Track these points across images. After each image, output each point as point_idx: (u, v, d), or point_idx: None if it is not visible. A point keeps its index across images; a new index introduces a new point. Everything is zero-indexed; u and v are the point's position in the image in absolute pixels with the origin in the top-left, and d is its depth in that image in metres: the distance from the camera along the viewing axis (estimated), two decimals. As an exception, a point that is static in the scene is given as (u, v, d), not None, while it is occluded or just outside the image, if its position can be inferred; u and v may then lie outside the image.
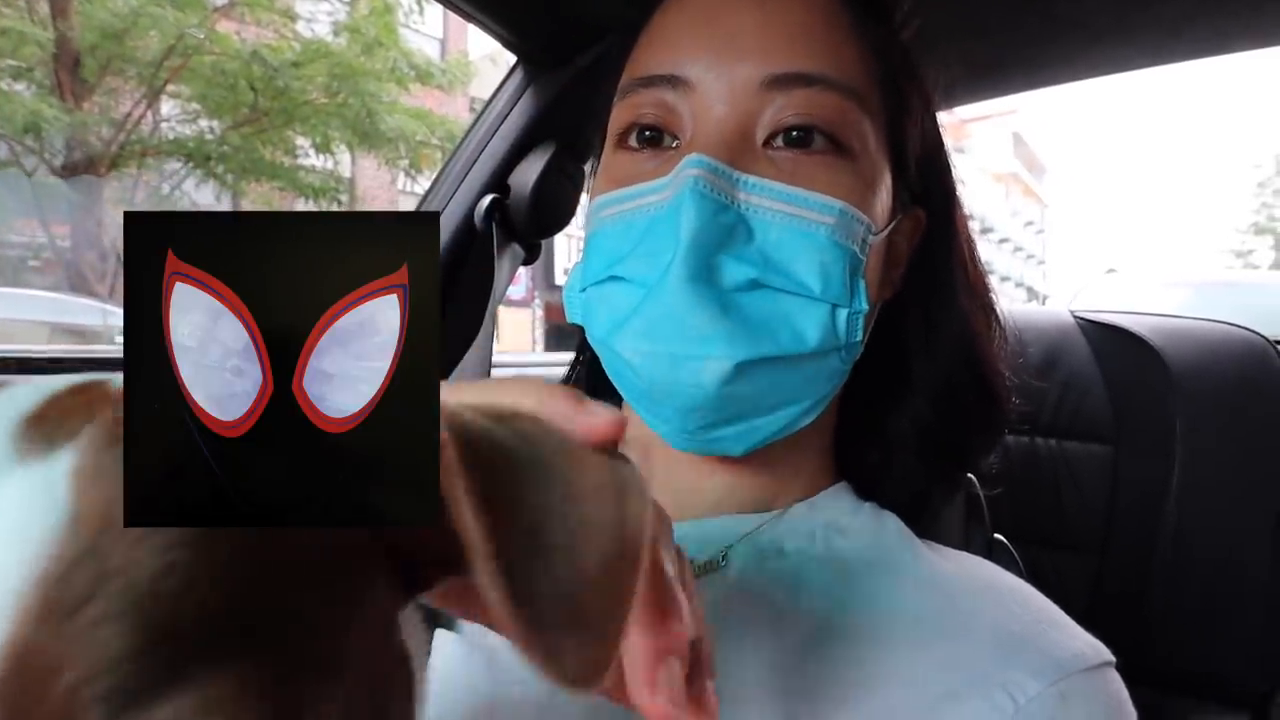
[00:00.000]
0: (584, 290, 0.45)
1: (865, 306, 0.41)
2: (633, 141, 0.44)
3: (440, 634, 0.41)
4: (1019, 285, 36.75)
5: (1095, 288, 4.20)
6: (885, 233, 0.44)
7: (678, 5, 0.45)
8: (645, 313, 0.39)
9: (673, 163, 0.40)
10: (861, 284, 0.41)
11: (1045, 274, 41.99)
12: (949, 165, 0.50)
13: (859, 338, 0.42)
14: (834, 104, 0.41)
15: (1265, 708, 0.80)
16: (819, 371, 0.41)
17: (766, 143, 0.41)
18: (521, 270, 0.90)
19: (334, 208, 7.53)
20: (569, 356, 0.57)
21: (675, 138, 0.43)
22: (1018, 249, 37.24)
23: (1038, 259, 41.30)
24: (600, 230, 0.44)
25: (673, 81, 0.42)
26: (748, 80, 0.41)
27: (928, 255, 0.48)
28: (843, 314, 0.40)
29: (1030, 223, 39.48)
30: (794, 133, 0.41)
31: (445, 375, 0.61)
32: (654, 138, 0.43)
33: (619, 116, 0.45)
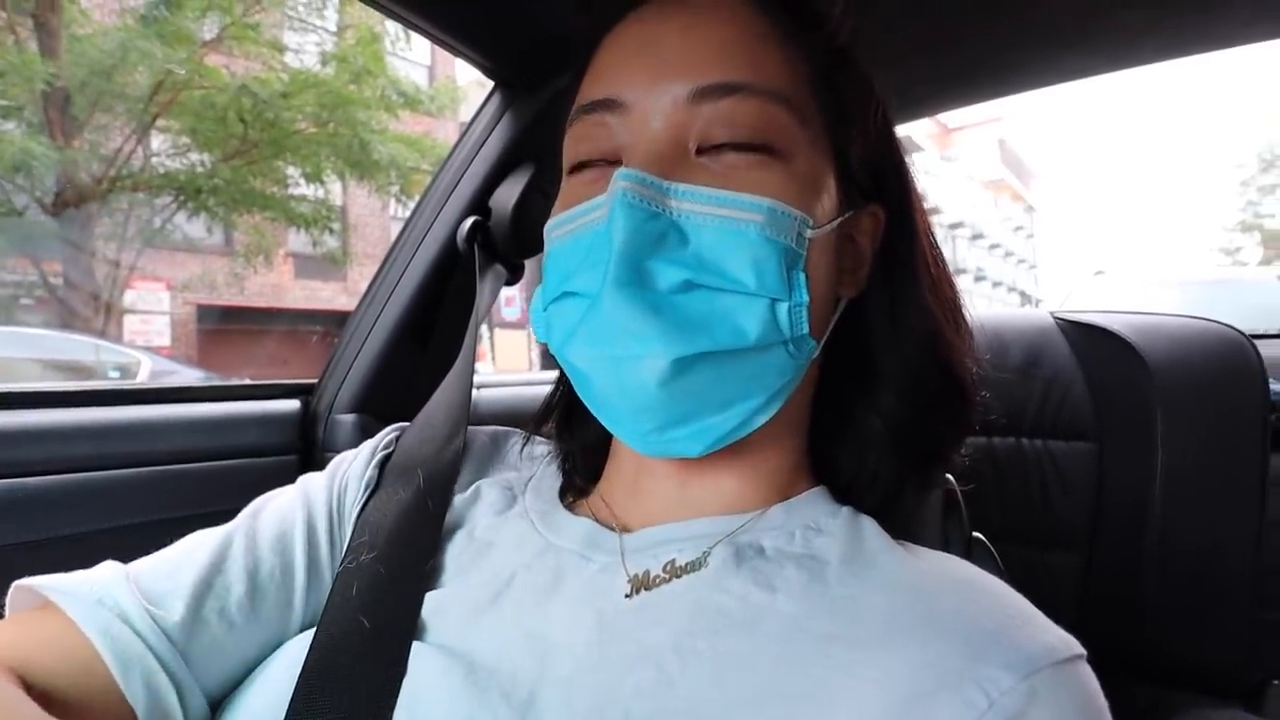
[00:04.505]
0: (545, 309, 0.46)
1: (805, 299, 0.42)
2: (579, 164, 0.47)
3: (417, 646, 0.41)
4: (1011, 290, 36.87)
5: (1084, 289, 4.22)
6: (830, 228, 0.45)
7: (616, 35, 0.47)
8: (589, 321, 0.41)
9: None
10: (801, 277, 0.42)
11: (1037, 278, 42.17)
12: (905, 167, 0.51)
13: (804, 330, 0.43)
14: (759, 109, 0.43)
15: (1258, 698, 0.80)
16: (766, 366, 0.42)
17: (700, 150, 0.43)
18: (517, 294, 0.91)
19: (326, 236, 7.57)
20: (555, 376, 0.58)
21: (617, 160, 0.45)
22: (1008, 254, 37.40)
23: (1029, 263, 41.49)
24: (553, 250, 0.46)
25: (609, 105, 0.45)
26: (676, 96, 0.43)
27: (889, 254, 0.50)
28: (783, 307, 0.42)
29: (1020, 227, 39.70)
30: (721, 145, 0.43)
31: (426, 396, 0.61)
32: (597, 164, 0.46)
33: (568, 147, 0.48)
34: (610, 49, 0.47)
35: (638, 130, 0.44)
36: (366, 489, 0.52)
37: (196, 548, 0.47)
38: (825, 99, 0.46)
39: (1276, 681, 0.85)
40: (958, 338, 0.50)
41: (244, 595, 0.45)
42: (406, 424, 0.59)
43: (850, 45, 0.49)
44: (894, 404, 0.49)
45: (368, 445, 0.56)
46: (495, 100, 0.93)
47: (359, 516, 0.50)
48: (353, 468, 0.54)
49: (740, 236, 0.41)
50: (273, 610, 0.47)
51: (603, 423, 0.45)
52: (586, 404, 0.46)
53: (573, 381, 0.46)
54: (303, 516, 0.50)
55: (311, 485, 0.53)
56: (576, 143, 0.47)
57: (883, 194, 0.50)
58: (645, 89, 0.44)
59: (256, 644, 0.46)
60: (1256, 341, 0.86)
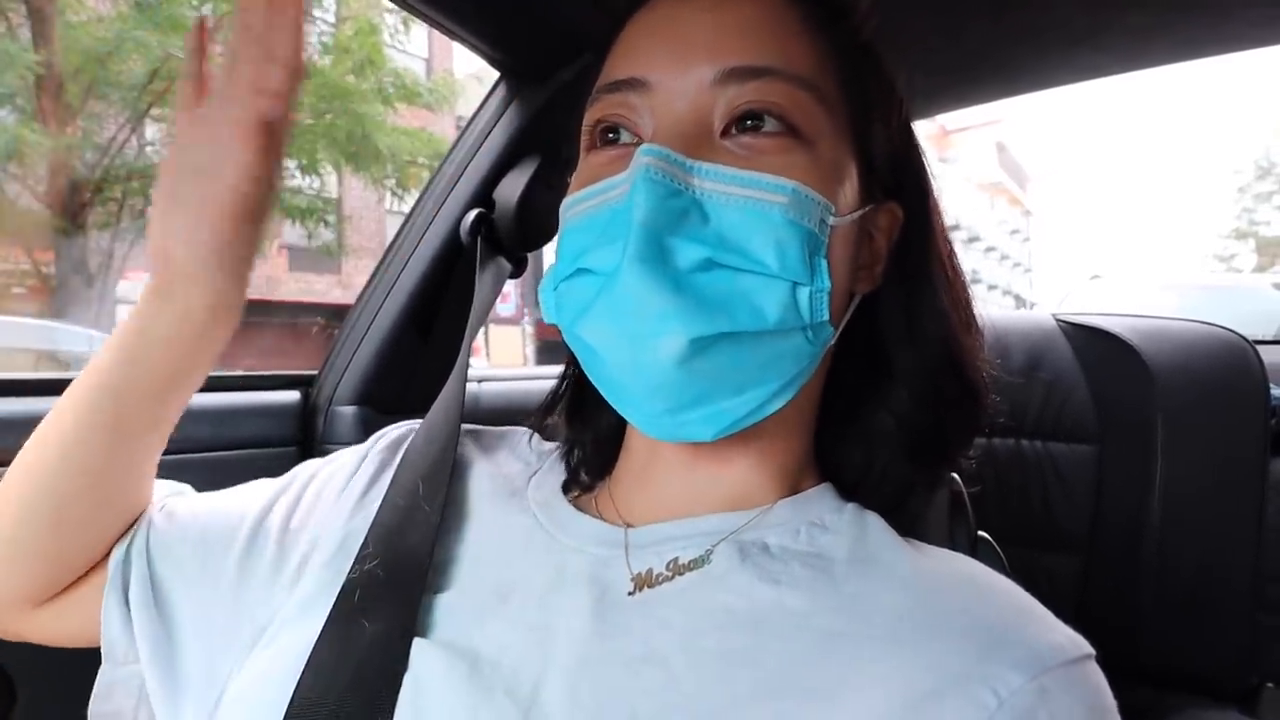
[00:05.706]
0: (556, 288, 0.46)
1: (827, 284, 0.42)
2: (598, 142, 0.46)
3: (419, 643, 0.41)
4: (1006, 293, 37.01)
5: (1080, 293, 4.24)
6: (852, 218, 0.45)
7: (641, 17, 0.47)
8: (605, 297, 0.40)
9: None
10: (823, 263, 0.42)
11: (1032, 281, 42.33)
12: (924, 166, 0.51)
13: (825, 317, 0.42)
14: (785, 92, 0.42)
15: (1253, 701, 0.80)
16: (784, 351, 0.42)
17: (724, 133, 0.43)
18: (512, 290, 0.90)
19: (321, 229, 7.54)
20: (558, 370, 0.58)
21: (638, 136, 0.44)
22: (1004, 257, 37.53)
23: (1024, 266, 41.64)
24: (568, 228, 0.45)
25: (633, 84, 0.44)
26: (701, 77, 0.42)
27: (906, 252, 0.49)
28: (804, 292, 0.41)
29: (1016, 231, 39.82)
30: (748, 120, 0.42)
31: (427, 389, 0.61)
32: (618, 138, 0.45)
33: (587, 121, 0.47)
34: (635, 30, 0.47)
35: (662, 110, 0.43)
36: (362, 492, 0.52)
37: (234, 489, 0.57)
38: (850, 92, 0.46)
39: (1271, 684, 0.86)
40: (970, 339, 0.50)
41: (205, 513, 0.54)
42: (404, 422, 0.59)
43: (874, 41, 0.49)
44: (905, 403, 0.48)
45: (363, 446, 0.57)
46: (500, 91, 0.92)
47: (358, 522, 0.50)
48: (344, 468, 0.55)
49: (763, 217, 0.40)
50: (217, 537, 0.52)
51: (613, 404, 0.45)
52: (596, 384, 0.45)
53: (582, 362, 0.45)
54: (261, 504, 0.53)
55: (299, 475, 0.55)
56: (597, 120, 0.46)
57: (901, 192, 0.49)
58: (670, 70, 0.43)
59: (199, 557, 0.51)
60: (1258, 347, 0.86)
